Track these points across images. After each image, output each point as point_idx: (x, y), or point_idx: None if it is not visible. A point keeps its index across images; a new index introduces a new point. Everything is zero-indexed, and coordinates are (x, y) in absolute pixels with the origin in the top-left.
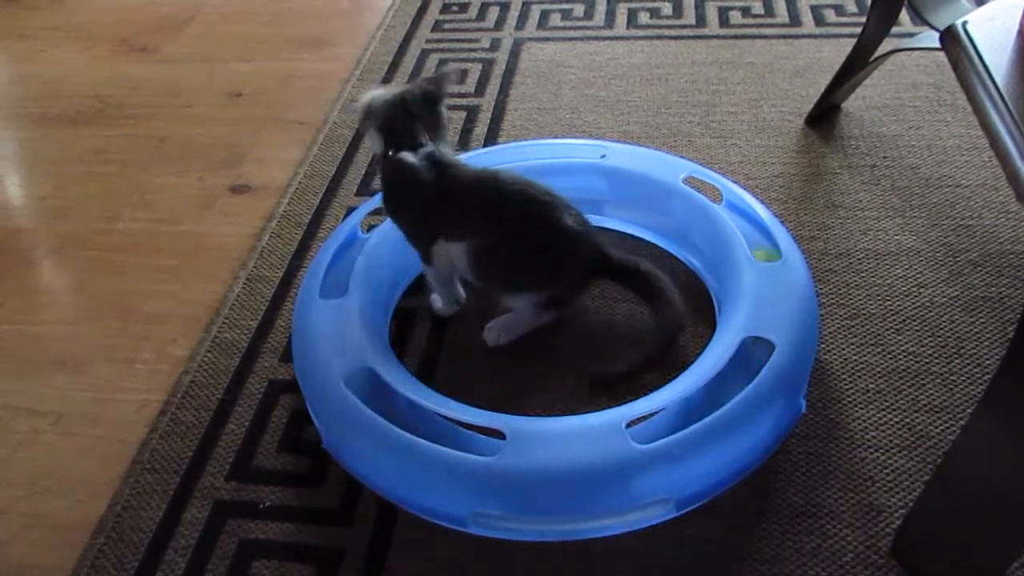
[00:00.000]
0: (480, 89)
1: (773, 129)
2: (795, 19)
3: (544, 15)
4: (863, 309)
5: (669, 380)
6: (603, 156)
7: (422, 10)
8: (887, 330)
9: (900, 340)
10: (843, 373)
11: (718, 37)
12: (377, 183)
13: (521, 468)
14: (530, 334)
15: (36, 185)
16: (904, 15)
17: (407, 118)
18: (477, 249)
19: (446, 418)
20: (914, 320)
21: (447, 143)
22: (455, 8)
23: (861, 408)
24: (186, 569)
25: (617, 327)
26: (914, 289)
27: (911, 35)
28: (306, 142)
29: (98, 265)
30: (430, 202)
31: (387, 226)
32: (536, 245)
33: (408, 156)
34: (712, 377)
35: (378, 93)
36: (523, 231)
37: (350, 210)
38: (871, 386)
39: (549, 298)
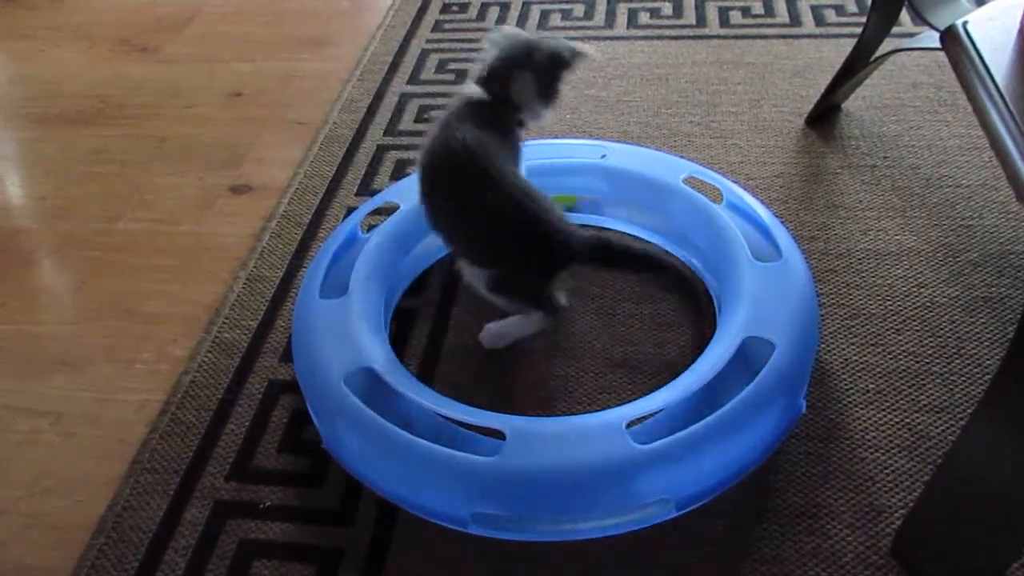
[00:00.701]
0: None
1: (773, 129)
2: (795, 19)
3: (544, 15)
4: (863, 309)
5: (669, 380)
6: (603, 156)
7: (422, 10)
8: (887, 330)
9: (900, 340)
10: (843, 373)
11: (718, 37)
12: (377, 183)
13: (521, 468)
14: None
15: (36, 185)
16: (904, 15)
17: (513, 62)
18: (434, 204)
19: (446, 418)
20: (914, 320)
21: (543, 111)
22: (455, 8)
23: (861, 408)
24: (186, 569)
25: (618, 327)
26: (914, 289)
27: (911, 35)
28: (306, 142)
29: (98, 265)
30: (437, 133)
31: (387, 226)
32: (485, 221)
33: (471, 87)
34: (712, 377)
35: (515, 30)
36: (473, 203)
37: (350, 210)
38: (871, 386)
39: (530, 297)
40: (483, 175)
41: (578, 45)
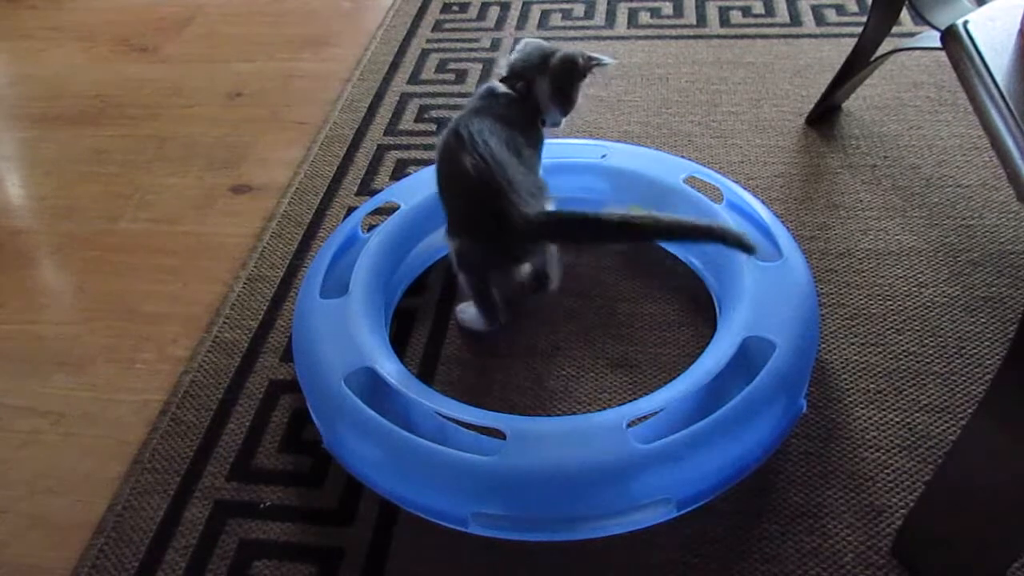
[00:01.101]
0: None
1: (774, 129)
2: (796, 19)
3: (544, 15)
4: (864, 309)
5: (669, 380)
6: (604, 156)
7: (422, 10)
8: (888, 330)
9: (901, 340)
10: (844, 373)
11: (719, 37)
12: (377, 182)
13: (521, 468)
14: (530, 333)
15: (37, 185)
16: (905, 15)
17: (534, 68)
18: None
19: (446, 418)
20: (915, 320)
21: (560, 116)
22: (455, 8)
23: (861, 408)
24: (186, 569)
25: (618, 327)
26: (915, 289)
27: (912, 35)
28: (306, 142)
29: (99, 265)
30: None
31: (387, 226)
32: (453, 184)
33: (497, 85)
34: (712, 377)
35: (538, 41)
36: (453, 169)
37: (350, 210)
38: (872, 386)
39: (475, 289)
40: (470, 146)
41: (597, 54)
